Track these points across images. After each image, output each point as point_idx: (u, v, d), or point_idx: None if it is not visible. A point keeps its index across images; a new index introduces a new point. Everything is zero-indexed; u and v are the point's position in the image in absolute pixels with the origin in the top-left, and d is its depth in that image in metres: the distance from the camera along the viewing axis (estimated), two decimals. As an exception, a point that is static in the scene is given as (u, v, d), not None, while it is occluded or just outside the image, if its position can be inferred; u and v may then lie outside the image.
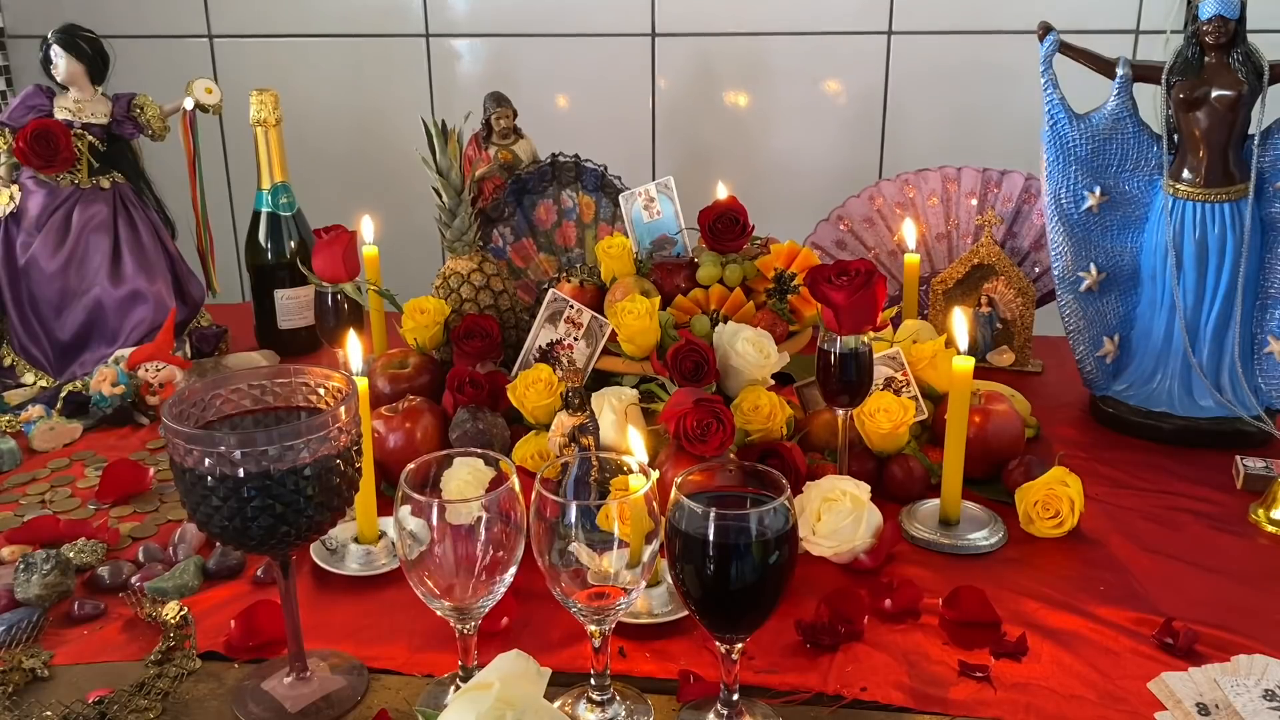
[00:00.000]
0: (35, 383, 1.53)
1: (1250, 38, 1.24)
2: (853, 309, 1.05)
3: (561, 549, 0.78)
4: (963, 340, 1.10)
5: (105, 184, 1.57)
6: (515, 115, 1.62)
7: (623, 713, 0.85)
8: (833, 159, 1.97)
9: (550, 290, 1.25)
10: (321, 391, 0.85)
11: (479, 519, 0.80)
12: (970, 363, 1.06)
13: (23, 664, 0.90)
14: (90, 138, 1.55)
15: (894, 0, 1.88)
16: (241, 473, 0.76)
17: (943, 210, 1.58)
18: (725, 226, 1.24)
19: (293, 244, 1.62)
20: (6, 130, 1.53)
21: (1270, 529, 1.13)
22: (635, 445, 0.89)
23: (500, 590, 0.83)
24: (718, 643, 0.81)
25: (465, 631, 0.84)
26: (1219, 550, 1.09)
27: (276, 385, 0.86)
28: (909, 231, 1.48)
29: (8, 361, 1.56)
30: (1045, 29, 1.31)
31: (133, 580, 1.03)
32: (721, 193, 1.33)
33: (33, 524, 1.12)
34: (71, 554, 1.05)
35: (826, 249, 1.63)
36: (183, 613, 0.92)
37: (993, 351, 1.54)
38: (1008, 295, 1.51)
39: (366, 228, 1.47)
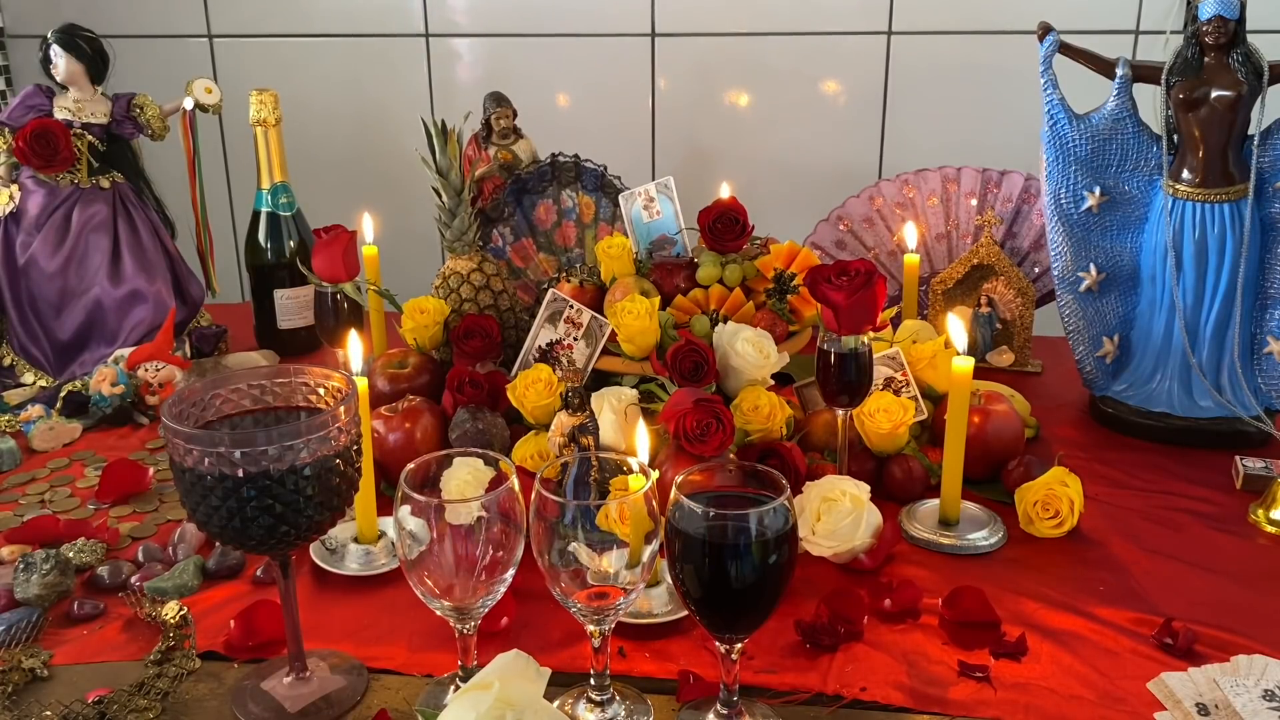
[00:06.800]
0: (35, 382, 1.53)
1: (1250, 38, 1.24)
2: (853, 309, 1.05)
3: (561, 549, 0.78)
4: (960, 341, 1.10)
5: (105, 184, 1.57)
6: (515, 115, 1.62)
7: (622, 713, 0.85)
8: (832, 159, 1.97)
9: (550, 290, 1.25)
10: (321, 391, 0.85)
11: (479, 519, 0.80)
12: (970, 363, 1.06)
13: (22, 664, 0.90)
14: (90, 137, 1.55)
15: (894, 0, 1.88)
16: (241, 473, 0.76)
17: (942, 210, 1.58)
18: (725, 226, 1.24)
19: (292, 244, 1.62)
20: (6, 130, 1.53)
21: (1270, 529, 1.13)
22: (640, 444, 0.89)
23: (500, 590, 0.83)
24: (717, 643, 0.81)
25: (465, 631, 0.84)
26: (1219, 550, 1.09)
27: (276, 385, 0.86)
28: (910, 234, 1.48)
29: (7, 361, 1.55)
30: (1045, 29, 1.31)
31: (132, 580, 1.03)
32: (724, 192, 1.33)
33: (32, 524, 1.12)
34: (71, 554, 1.05)
35: (826, 249, 1.63)
36: (182, 612, 0.92)
37: (992, 352, 1.54)
38: (1007, 295, 1.51)
39: (366, 227, 1.47)
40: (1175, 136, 1.29)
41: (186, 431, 0.77)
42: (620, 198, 1.32)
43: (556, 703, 0.85)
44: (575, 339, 1.23)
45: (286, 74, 2.03)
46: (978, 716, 0.85)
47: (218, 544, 1.07)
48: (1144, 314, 1.36)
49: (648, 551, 0.80)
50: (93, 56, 1.54)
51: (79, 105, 1.55)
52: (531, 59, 2.00)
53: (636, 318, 1.16)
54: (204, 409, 0.83)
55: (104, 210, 1.56)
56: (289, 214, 1.62)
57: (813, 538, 1.03)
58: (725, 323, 1.19)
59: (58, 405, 1.42)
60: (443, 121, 1.28)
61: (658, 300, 1.19)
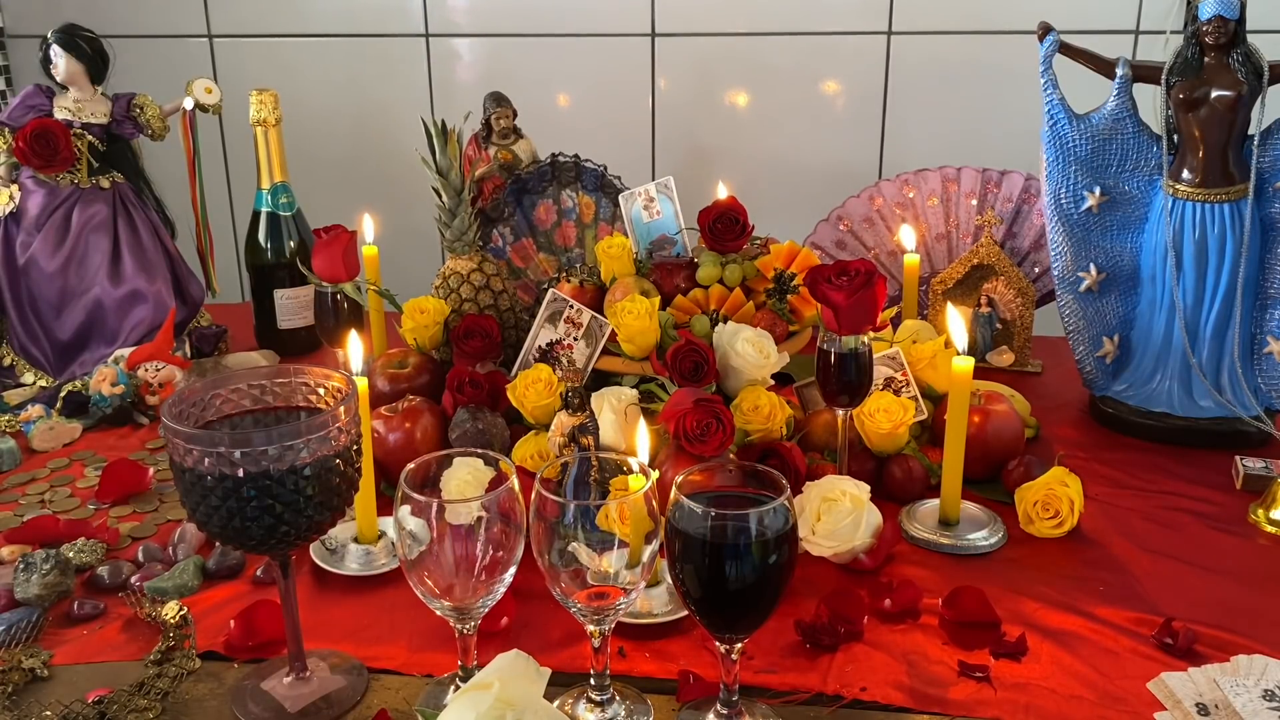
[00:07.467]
0: (35, 382, 1.53)
1: (1250, 38, 1.24)
2: (853, 309, 1.05)
3: (561, 549, 0.78)
4: (960, 338, 1.10)
5: (105, 184, 1.57)
6: (515, 115, 1.62)
7: (622, 713, 0.85)
8: (832, 159, 1.97)
9: (550, 290, 1.25)
10: (321, 391, 0.85)
11: (479, 519, 0.80)
12: (970, 363, 1.06)
13: (22, 664, 0.90)
14: (90, 137, 1.55)
15: (894, 0, 1.88)
16: (241, 473, 0.76)
17: (942, 210, 1.58)
18: (725, 226, 1.24)
19: (292, 244, 1.62)
20: (6, 130, 1.53)
21: (1270, 529, 1.13)
22: (640, 444, 0.89)
23: (500, 590, 0.83)
24: (717, 643, 0.81)
25: (465, 631, 0.84)
26: (1219, 550, 1.09)
27: (276, 385, 0.86)
28: (906, 236, 1.48)
29: (7, 361, 1.55)
30: (1045, 29, 1.31)
31: (132, 580, 1.03)
32: (721, 192, 1.33)
33: (32, 524, 1.12)
34: (71, 554, 1.05)
35: (826, 249, 1.63)
36: (182, 612, 0.92)
37: (992, 351, 1.54)
38: (1007, 295, 1.51)
39: (366, 227, 1.47)
40: (1175, 136, 1.29)
41: (186, 431, 0.77)
42: (620, 198, 1.32)
43: (556, 703, 0.85)
44: (575, 339, 1.23)
45: (286, 74, 2.03)
46: (978, 716, 0.85)
47: (218, 544, 1.07)
48: (1144, 314, 1.36)
49: (648, 551, 0.80)
50: (93, 56, 1.54)
51: (79, 105, 1.55)
52: (531, 59, 2.00)
53: (636, 318, 1.16)
54: (204, 409, 0.83)
55: (104, 210, 1.56)
56: (289, 214, 1.62)
57: (813, 538, 1.03)
58: (725, 323, 1.19)
59: (58, 405, 1.41)
60: (443, 121, 1.28)
61: (658, 300, 1.19)
